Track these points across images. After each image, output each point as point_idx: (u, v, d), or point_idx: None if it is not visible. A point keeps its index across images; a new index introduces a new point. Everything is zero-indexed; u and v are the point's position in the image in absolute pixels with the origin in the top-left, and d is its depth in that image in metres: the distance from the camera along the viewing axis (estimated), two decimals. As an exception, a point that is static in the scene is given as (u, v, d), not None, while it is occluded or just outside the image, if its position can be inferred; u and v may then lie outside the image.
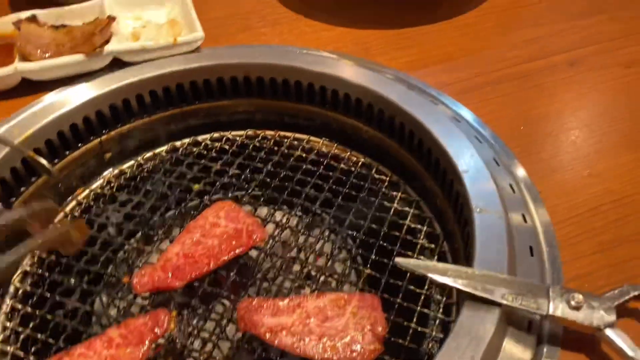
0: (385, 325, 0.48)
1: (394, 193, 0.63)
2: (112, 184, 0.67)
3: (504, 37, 0.76)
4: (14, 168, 0.60)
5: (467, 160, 0.55)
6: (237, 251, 0.55)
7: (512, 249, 0.48)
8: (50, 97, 0.68)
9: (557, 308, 0.42)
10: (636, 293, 0.44)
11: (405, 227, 0.59)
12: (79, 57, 0.69)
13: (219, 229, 0.56)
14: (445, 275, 0.44)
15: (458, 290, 0.44)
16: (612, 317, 0.42)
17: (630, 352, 0.40)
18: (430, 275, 0.44)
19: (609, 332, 0.41)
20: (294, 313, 0.50)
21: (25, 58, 0.70)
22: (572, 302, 0.42)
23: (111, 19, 0.71)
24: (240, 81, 0.70)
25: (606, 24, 0.78)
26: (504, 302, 0.42)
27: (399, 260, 0.46)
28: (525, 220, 0.53)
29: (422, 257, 0.57)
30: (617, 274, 0.49)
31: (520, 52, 0.73)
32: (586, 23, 0.78)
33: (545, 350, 0.44)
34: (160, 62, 0.69)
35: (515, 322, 0.44)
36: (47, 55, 0.71)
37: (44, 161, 0.59)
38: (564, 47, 0.74)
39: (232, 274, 0.56)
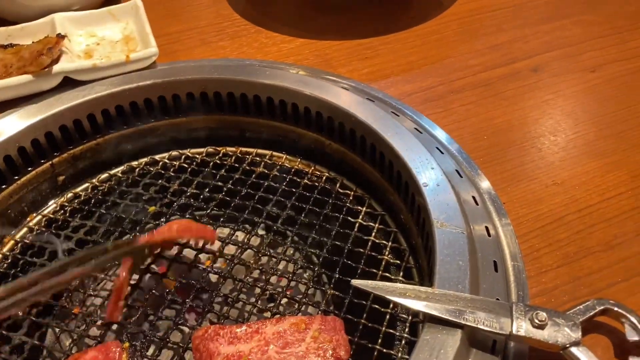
0: (348, 349, 0.46)
1: (359, 207, 0.61)
2: (65, 208, 0.64)
3: (467, 45, 0.75)
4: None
5: (427, 173, 0.53)
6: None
7: (474, 265, 0.46)
8: (-6, 121, 0.65)
9: (521, 327, 0.40)
10: (601, 308, 0.42)
11: (370, 243, 0.57)
12: (26, 77, 0.66)
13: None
14: (405, 296, 0.42)
15: (418, 312, 0.42)
16: (577, 335, 0.40)
17: (596, 371, 0.39)
18: (388, 297, 0.42)
19: (574, 350, 0.39)
20: (252, 340, 0.48)
21: (-30, 80, 0.67)
22: (536, 321, 0.40)
23: (60, 37, 0.68)
24: (197, 97, 0.68)
25: (569, 28, 0.77)
26: (466, 323, 0.40)
27: (355, 281, 0.44)
28: (489, 234, 0.51)
29: (387, 274, 0.55)
30: (582, 287, 0.47)
31: (483, 60, 0.72)
32: (549, 27, 0.77)
33: (510, 371, 0.42)
34: (112, 80, 0.67)
35: (478, 343, 0.42)
36: (-2, 76, 0.68)
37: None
38: (527, 52, 0.73)
39: (187, 300, 0.54)
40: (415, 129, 0.62)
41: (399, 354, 0.48)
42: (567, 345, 0.40)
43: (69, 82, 0.69)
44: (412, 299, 0.42)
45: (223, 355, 0.46)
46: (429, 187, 0.52)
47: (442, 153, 0.59)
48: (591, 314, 0.42)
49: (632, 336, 0.42)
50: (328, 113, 0.63)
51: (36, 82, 0.67)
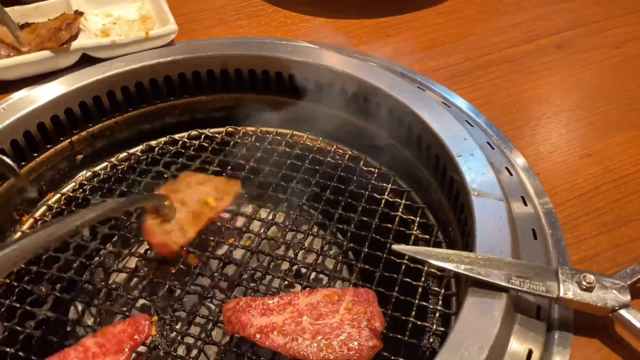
0: (382, 320, 0.45)
1: (384, 185, 0.60)
2: (84, 187, 0.63)
3: (489, 23, 0.74)
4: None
5: (460, 144, 0.52)
6: None
7: (514, 232, 0.45)
8: (16, 96, 0.64)
9: (568, 290, 0.39)
10: (648, 271, 0.41)
11: (397, 218, 0.56)
12: (45, 53, 0.65)
13: None
14: (447, 260, 0.41)
15: (461, 275, 0.41)
16: (626, 297, 0.39)
17: (648, 333, 0.38)
18: (430, 260, 0.41)
19: (623, 312, 0.39)
20: (285, 311, 0.47)
21: (-11, 56, 0.66)
22: (584, 283, 0.39)
23: (78, 13, 0.67)
24: (217, 75, 0.67)
25: (590, 7, 0.76)
26: (511, 286, 0.39)
27: (396, 246, 0.43)
28: (525, 204, 0.50)
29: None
30: (623, 254, 0.47)
31: (506, 37, 0.71)
32: (571, 6, 0.76)
33: (556, 337, 0.41)
34: (132, 57, 0.66)
35: (523, 308, 0.42)
36: (12, 54, 0.67)
37: (9, 161, 0.55)
38: (550, 30, 0.72)
39: (216, 274, 0.52)
40: (443, 102, 0.61)
41: (434, 326, 0.47)
42: (617, 308, 0.39)
43: (87, 60, 0.67)
44: (455, 262, 0.41)
45: (256, 326, 0.45)
46: (462, 158, 0.51)
47: (472, 126, 0.58)
48: (638, 277, 0.41)
49: (681, 300, 0.41)
50: (353, 88, 0.62)
51: (54, 58, 0.66)
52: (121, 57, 0.66)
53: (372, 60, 0.68)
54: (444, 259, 0.41)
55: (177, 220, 0.53)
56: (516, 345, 0.40)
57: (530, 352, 0.40)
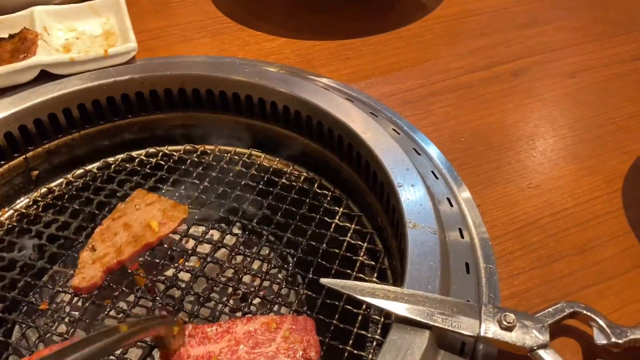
0: (318, 349, 0.46)
1: (336, 208, 0.61)
2: (38, 204, 0.63)
3: (449, 48, 0.75)
4: None
5: (402, 174, 0.53)
6: None
7: (446, 266, 0.46)
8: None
9: (489, 329, 0.40)
10: (570, 310, 0.42)
11: (345, 243, 0.57)
12: (3, 69, 0.65)
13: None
14: (373, 295, 0.42)
15: (386, 311, 0.41)
16: (545, 337, 0.40)
17: (562, 374, 0.38)
18: (357, 296, 0.42)
19: (541, 352, 0.39)
20: (222, 340, 0.48)
21: (-56, 71, 0.66)
22: (504, 323, 0.40)
23: (34, 35, 0.67)
24: (175, 93, 0.67)
25: (551, 34, 0.77)
26: (434, 323, 0.40)
27: (324, 280, 0.44)
28: (462, 236, 0.51)
29: (361, 275, 0.54)
30: (554, 290, 0.47)
31: (464, 63, 0.72)
32: (531, 32, 0.77)
33: (479, 373, 0.41)
34: (90, 74, 0.66)
35: (447, 344, 0.42)
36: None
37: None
38: (508, 57, 0.73)
39: (157, 298, 0.53)
40: (394, 129, 0.62)
41: (370, 356, 0.48)
42: (535, 348, 0.39)
43: (45, 76, 0.68)
44: (380, 298, 0.41)
45: (193, 357, 0.46)
46: (403, 188, 0.51)
47: (419, 154, 0.59)
48: (560, 316, 0.42)
49: (600, 339, 0.41)
50: (307, 112, 0.63)
51: (12, 74, 0.66)
52: (79, 74, 0.66)
53: (329, 84, 0.69)
54: (370, 294, 0.42)
55: (116, 242, 0.54)
56: (437, 381, 0.40)
57: (450, 389, 0.40)
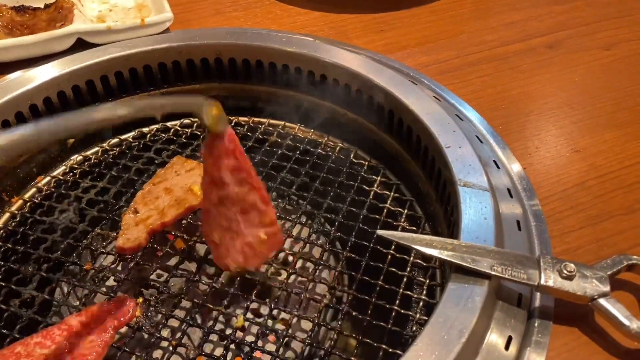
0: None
1: (373, 177, 0.61)
2: (75, 171, 0.63)
3: (481, 21, 0.75)
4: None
5: (448, 136, 0.52)
6: None
7: (499, 222, 0.46)
8: (10, 78, 0.64)
9: (549, 278, 0.40)
10: (628, 263, 0.42)
11: (385, 210, 0.57)
12: (40, 36, 0.65)
13: None
14: (431, 246, 0.42)
15: (444, 261, 0.41)
16: (606, 287, 0.40)
17: (625, 322, 0.38)
18: (414, 246, 0.42)
19: (602, 301, 0.39)
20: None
21: (-17, 38, 0.66)
22: (564, 272, 0.40)
23: (70, 4, 0.67)
24: (211, 63, 0.67)
25: (583, 9, 0.77)
26: (493, 273, 0.40)
27: (381, 231, 0.44)
28: (511, 196, 0.51)
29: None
30: (605, 247, 0.47)
31: (498, 36, 0.72)
32: (563, 8, 0.77)
33: (536, 324, 0.41)
34: (127, 42, 0.66)
35: (504, 295, 0.42)
36: (6, 36, 0.67)
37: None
38: (542, 30, 0.73)
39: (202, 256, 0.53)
40: (434, 97, 0.62)
41: (417, 315, 0.48)
42: (596, 297, 0.39)
43: (82, 45, 0.68)
44: (438, 249, 0.41)
45: None
46: (451, 149, 0.51)
47: (461, 120, 0.59)
48: (618, 267, 0.42)
49: (659, 291, 0.41)
50: (345, 80, 0.63)
51: (50, 42, 0.66)
52: (116, 42, 0.66)
53: (366, 54, 0.69)
54: (428, 245, 0.42)
55: (158, 205, 0.53)
56: (496, 331, 0.40)
57: (510, 339, 0.40)
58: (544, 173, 0.54)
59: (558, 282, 0.40)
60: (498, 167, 0.54)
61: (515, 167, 0.54)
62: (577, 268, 0.40)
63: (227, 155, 0.42)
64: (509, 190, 0.51)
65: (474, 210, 0.45)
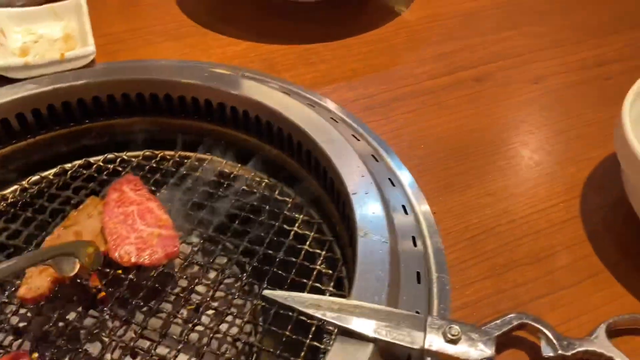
0: None
1: (296, 215, 0.60)
2: (-10, 211, 0.62)
3: (414, 53, 0.74)
4: None
5: (357, 181, 0.52)
6: None
7: (396, 276, 0.45)
8: None
9: (433, 342, 0.39)
10: (518, 322, 0.41)
11: (303, 252, 0.56)
12: (-47, 73, 0.63)
13: None
14: (317, 307, 0.41)
15: (328, 323, 0.40)
16: (490, 350, 0.39)
17: (506, 388, 0.37)
18: (299, 307, 0.41)
19: (485, 366, 0.38)
20: None
21: None
22: (449, 335, 0.39)
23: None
24: (132, 98, 0.66)
25: (516, 39, 0.77)
26: (377, 336, 0.39)
27: (267, 292, 0.43)
28: (415, 244, 0.50)
29: (318, 284, 0.53)
30: (506, 300, 0.46)
31: (428, 68, 0.71)
32: (497, 38, 0.77)
33: (426, 386, 0.40)
34: (45, 78, 0.64)
35: (393, 356, 0.41)
36: None
37: None
38: (473, 62, 0.72)
39: (105, 309, 0.51)
40: (353, 135, 0.61)
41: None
42: (479, 361, 0.38)
43: (1, 79, 0.66)
44: (323, 310, 0.40)
45: None
46: (357, 196, 0.50)
47: (377, 161, 0.58)
48: (508, 328, 0.41)
49: (547, 352, 0.41)
50: (267, 117, 0.62)
51: (-36, 78, 0.64)
52: (34, 78, 0.65)
53: (291, 89, 0.68)
54: (313, 306, 0.41)
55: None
56: (381, 396, 0.39)
57: (395, 403, 0.39)
58: (454, 218, 0.53)
59: (442, 346, 0.39)
60: (406, 213, 0.53)
61: (425, 212, 0.54)
62: (463, 330, 0.39)
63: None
64: (413, 237, 0.50)
65: (370, 264, 0.44)
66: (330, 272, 0.55)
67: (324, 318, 0.40)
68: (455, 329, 0.39)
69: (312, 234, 0.58)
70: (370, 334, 0.39)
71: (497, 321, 0.41)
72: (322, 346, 0.48)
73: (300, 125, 0.58)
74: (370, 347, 0.39)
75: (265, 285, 0.52)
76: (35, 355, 0.48)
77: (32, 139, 0.65)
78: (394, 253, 0.46)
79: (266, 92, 0.63)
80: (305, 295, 0.42)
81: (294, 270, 0.53)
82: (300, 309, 0.41)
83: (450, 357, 0.39)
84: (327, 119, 0.61)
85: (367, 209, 0.49)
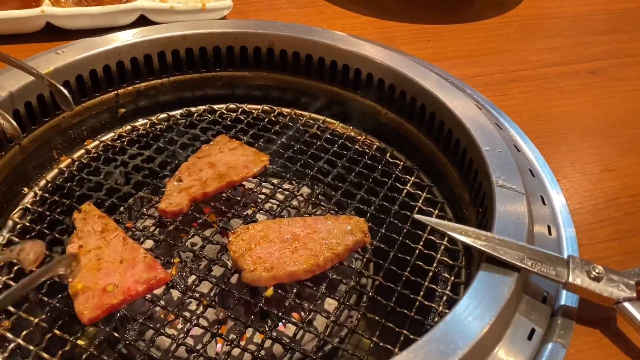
0: None
1: (407, 177, 0.62)
2: (123, 139, 0.66)
3: (527, 42, 0.77)
4: (40, 95, 0.60)
5: (488, 140, 0.54)
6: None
7: (531, 223, 0.47)
8: (73, 44, 0.67)
9: (577, 277, 0.41)
10: (656, 274, 0.43)
11: (416, 208, 0.58)
12: (105, 8, 0.69)
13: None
14: (465, 235, 0.43)
15: (476, 250, 0.43)
16: (632, 292, 0.41)
17: (649, 326, 0.39)
18: (449, 232, 0.43)
19: (627, 305, 0.40)
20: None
21: (53, 4, 0.69)
22: (593, 273, 0.41)
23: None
24: (263, 52, 0.70)
25: (627, 42, 0.79)
26: (523, 266, 0.41)
27: (417, 216, 0.45)
28: (543, 203, 0.52)
29: (431, 237, 0.55)
30: (632, 261, 0.48)
31: (542, 57, 0.74)
32: (607, 39, 0.79)
33: (559, 322, 0.42)
34: (186, 23, 0.69)
35: (531, 291, 0.43)
36: (75, 6, 0.71)
37: (67, 93, 0.57)
38: (586, 57, 0.74)
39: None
40: (476, 105, 0.63)
41: (440, 308, 0.49)
42: (621, 300, 0.40)
43: (144, 22, 0.71)
44: (472, 238, 0.43)
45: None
46: (489, 152, 0.53)
47: (500, 129, 0.60)
48: (646, 277, 0.43)
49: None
50: (391, 80, 0.65)
51: (114, 15, 0.69)
52: (176, 22, 0.70)
53: (413, 60, 0.71)
54: (462, 233, 0.43)
55: (201, 177, 0.56)
56: (520, 322, 0.41)
57: (533, 331, 0.41)
58: (577, 186, 0.55)
59: (586, 281, 0.41)
60: (533, 175, 0.55)
61: (550, 177, 0.56)
62: (605, 271, 0.41)
63: None
64: (542, 197, 0.53)
65: (508, 210, 0.47)
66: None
67: (474, 245, 0.42)
68: (599, 268, 0.41)
69: (424, 194, 0.60)
70: (518, 263, 0.41)
71: (635, 269, 0.43)
72: (439, 290, 0.50)
73: (427, 87, 0.61)
74: (515, 275, 0.41)
75: (383, 231, 0.55)
76: (177, 259, 0.52)
77: (165, 79, 0.70)
78: (528, 203, 0.48)
79: (394, 58, 0.66)
80: (454, 224, 0.44)
81: (407, 223, 0.56)
82: (451, 233, 0.43)
83: (591, 294, 0.41)
84: (451, 85, 0.64)
85: (501, 164, 0.51)
